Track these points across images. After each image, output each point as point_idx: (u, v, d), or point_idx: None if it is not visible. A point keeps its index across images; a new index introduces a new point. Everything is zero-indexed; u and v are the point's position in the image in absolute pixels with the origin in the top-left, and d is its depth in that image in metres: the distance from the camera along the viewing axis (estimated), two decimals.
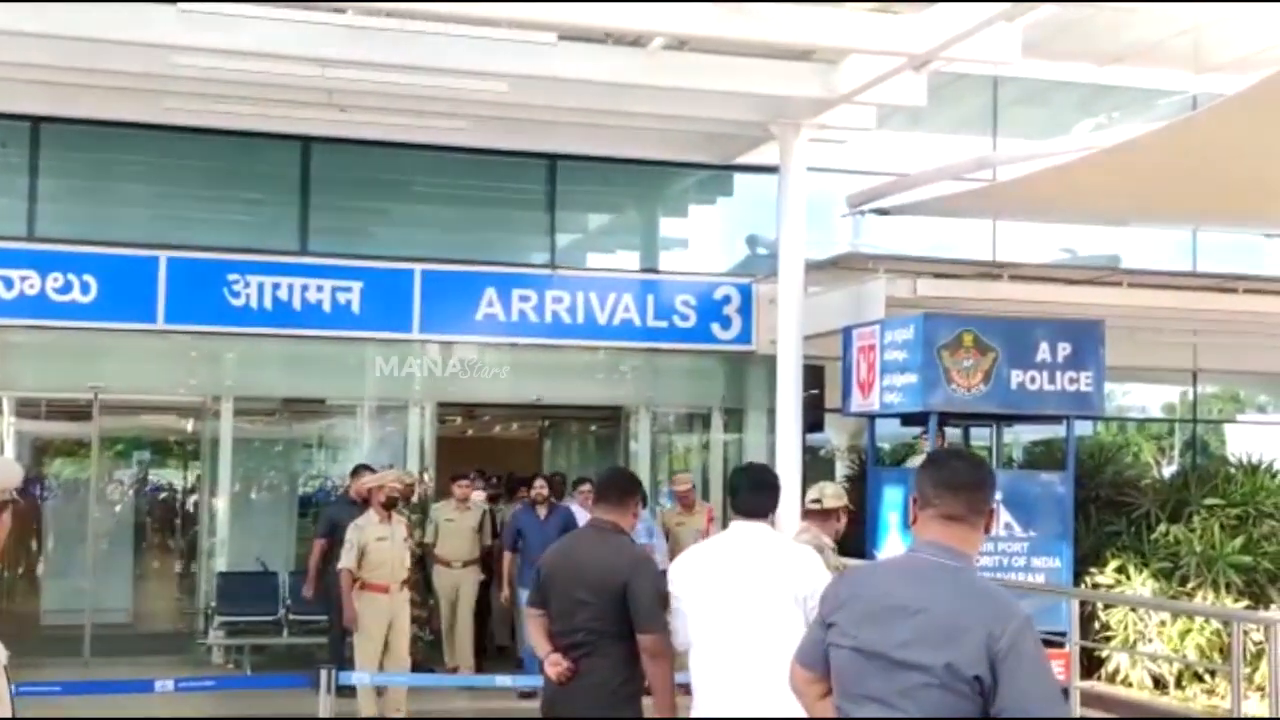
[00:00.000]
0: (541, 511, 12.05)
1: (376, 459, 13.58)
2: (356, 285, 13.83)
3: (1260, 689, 10.59)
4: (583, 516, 10.40)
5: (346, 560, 10.04)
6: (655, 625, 5.35)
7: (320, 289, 13.74)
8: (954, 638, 3.27)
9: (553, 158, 14.48)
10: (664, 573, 5.50)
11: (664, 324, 14.52)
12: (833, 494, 7.09)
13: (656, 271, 15.04)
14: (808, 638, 3.77)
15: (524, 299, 14.22)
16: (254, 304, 13.57)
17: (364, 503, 10.69)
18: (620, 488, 5.77)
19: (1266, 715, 7.12)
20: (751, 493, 5.34)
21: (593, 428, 17.75)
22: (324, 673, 6.85)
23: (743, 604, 5.13)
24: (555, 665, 5.54)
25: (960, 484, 3.52)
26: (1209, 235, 15.77)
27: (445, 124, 12.94)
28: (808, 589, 5.05)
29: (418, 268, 14.02)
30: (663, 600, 5.36)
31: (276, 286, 13.63)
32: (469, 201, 15.02)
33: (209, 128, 13.35)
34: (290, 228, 14.11)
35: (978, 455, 3.84)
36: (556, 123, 13.28)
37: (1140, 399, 18.84)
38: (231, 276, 13.54)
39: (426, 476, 13.98)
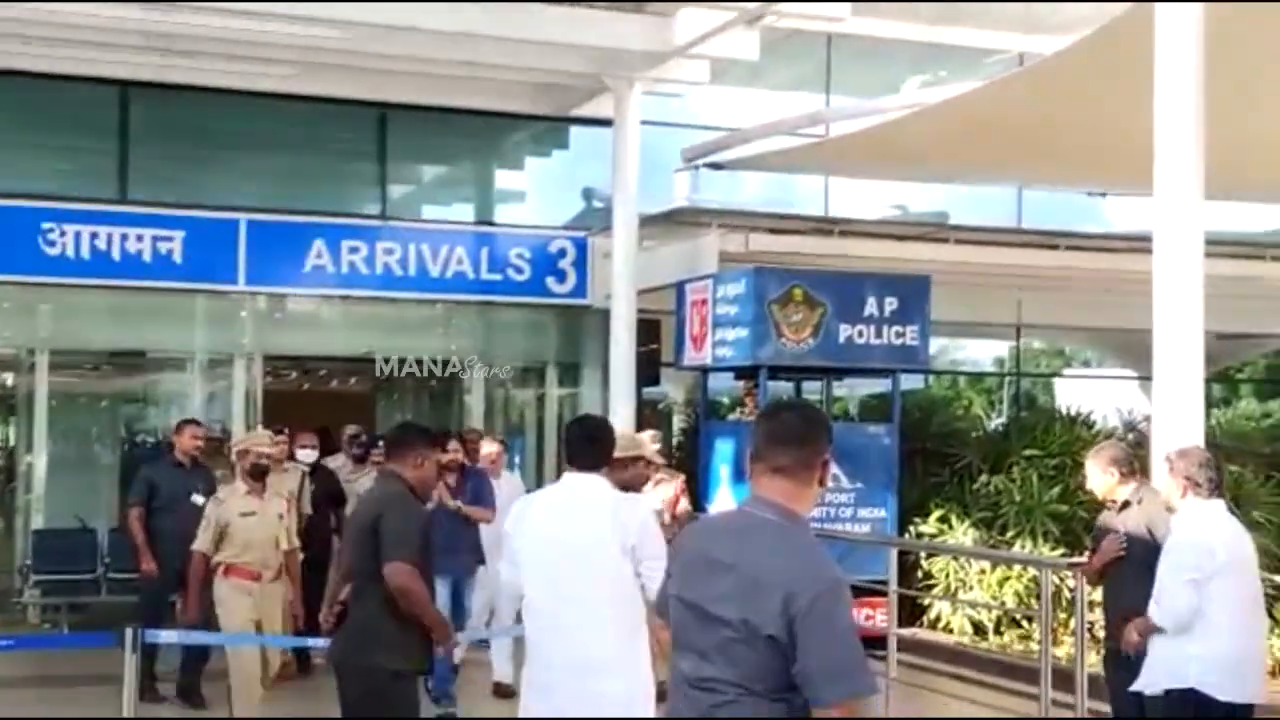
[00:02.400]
0: (451, 479, 9.47)
1: (202, 415, 13.23)
2: (178, 235, 13.41)
3: (1075, 633, 10.94)
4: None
5: (201, 541, 8.11)
6: (394, 555, 5.47)
7: (140, 239, 13.30)
8: (754, 595, 3.24)
9: (384, 107, 14.19)
10: (426, 512, 5.83)
11: (498, 277, 14.38)
12: (627, 444, 6.96)
13: (491, 224, 14.88)
14: (662, 590, 3.75)
15: (354, 251, 13.94)
16: (71, 253, 13.08)
17: (194, 464, 9.85)
18: (402, 442, 5.87)
19: (1073, 657, 7.31)
20: (583, 444, 5.32)
21: (433, 382, 17.55)
22: (129, 632, 6.65)
23: (570, 553, 5.12)
24: (325, 620, 6.06)
25: (790, 436, 3.44)
26: (1034, 193, 16.13)
27: (273, 70, 12.61)
28: (635, 538, 5.09)
29: (243, 218, 13.65)
30: (409, 536, 5.53)
31: (95, 236, 13.16)
32: (297, 150, 14.67)
33: (21, 70, 12.80)
34: (109, 175, 13.63)
35: (813, 407, 3.81)
36: (388, 71, 13.03)
37: (970, 353, 19.32)
38: (46, 225, 13.03)
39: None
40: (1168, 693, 5.75)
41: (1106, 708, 7.05)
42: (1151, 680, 5.91)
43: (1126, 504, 6.73)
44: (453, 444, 9.62)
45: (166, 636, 7.11)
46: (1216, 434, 14.74)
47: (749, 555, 3.31)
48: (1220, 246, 14.52)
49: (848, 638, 3.22)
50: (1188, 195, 7.17)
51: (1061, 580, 9.56)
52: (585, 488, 5.25)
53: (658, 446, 9.81)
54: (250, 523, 8.13)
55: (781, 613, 3.18)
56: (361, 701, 5.54)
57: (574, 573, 5.11)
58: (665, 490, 9.27)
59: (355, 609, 5.69)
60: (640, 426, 12.81)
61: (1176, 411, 7.25)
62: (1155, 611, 5.85)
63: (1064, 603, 10.99)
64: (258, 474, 8.31)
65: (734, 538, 3.39)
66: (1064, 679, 7.25)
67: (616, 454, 6.64)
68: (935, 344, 18.78)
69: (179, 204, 13.63)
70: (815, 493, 3.45)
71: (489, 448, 10.55)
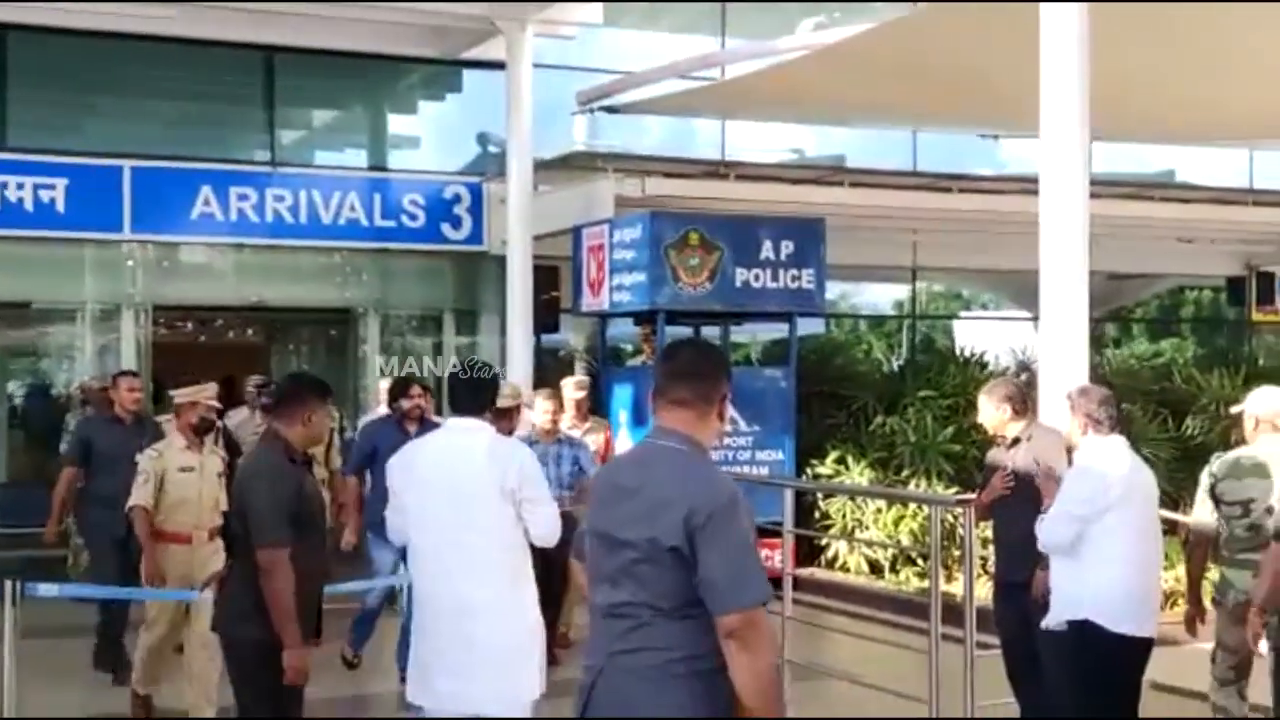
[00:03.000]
0: (411, 429, 8.51)
1: (93, 367, 12.96)
2: (61, 182, 13.05)
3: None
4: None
5: (139, 496, 7.44)
6: (260, 539, 5.19)
7: (21, 186, 12.93)
8: (657, 513, 3.36)
9: (270, 50, 13.88)
10: (297, 480, 5.32)
11: (392, 224, 14.19)
12: (509, 393, 6.95)
13: (384, 170, 14.68)
14: (578, 531, 3.85)
15: (243, 198, 13.67)
16: None
17: (136, 420, 8.82)
18: (293, 395, 5.51)
19: (962, 592, 7.39)
20: (464, 389, 5.31)
21: (331, 332, 17.36)
22: (9, 584, 6.46)
23: (450, 497, 5.11)
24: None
25: (689, 370, 3.59)
26: (929, 136, 16.22)
27: (153, 12, 12.28)
28: (515, 481, 5.08)
29: (127, 164, 13.33)
30: (276, 517, 5.18)
31: None
32: (182, 95, 14.34)
33: None
34: None
35: (712, 345, 3.89)
36: (273, 13, 12.74)
37: (870, 297, 19.43)
38: None
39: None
40: (1056, 630, 5.74)
41: (996, 640, 7.15)
42: (1055, 616, 5.88)
43: (1016, 440, 6.72)
44: (415, 390, 8.87)
45: (45, 590, 6.86)
46: (1106, 372, 15.04)
47: (653, 479, 3.45)
48: (1110, 188, 14.80)
49: (745, 549, 3.37)
50: (1072, 136, 7.22)
51: (956, 519, 9.68)
52: (466, 432, 5.23)
53: (583, 394, 9.75)
54: (188, 479, 7.46)
55: (683, 526, 3.31)
56: (239, 673, 5.35)
57: (454, 517, 5.09)
58: (596, 437, 9.34)
59: (229, 577, 5.49)
60: (540, 374, 12.79)
61: (1062, 351, 7.34)
62: (1039, 530, 5.85)
63: (957, 539, 11.19)
64: (204, 429, 7.58)
65: (639, 466, 3.56)
66: (956, 613, 7.34)
67: (502, 404, 6.60)
68: (836, 288, 18.96)
69: (61, 151, 13.27)
70: (715, 427, 3.59)
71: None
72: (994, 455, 6.97)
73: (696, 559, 3.31)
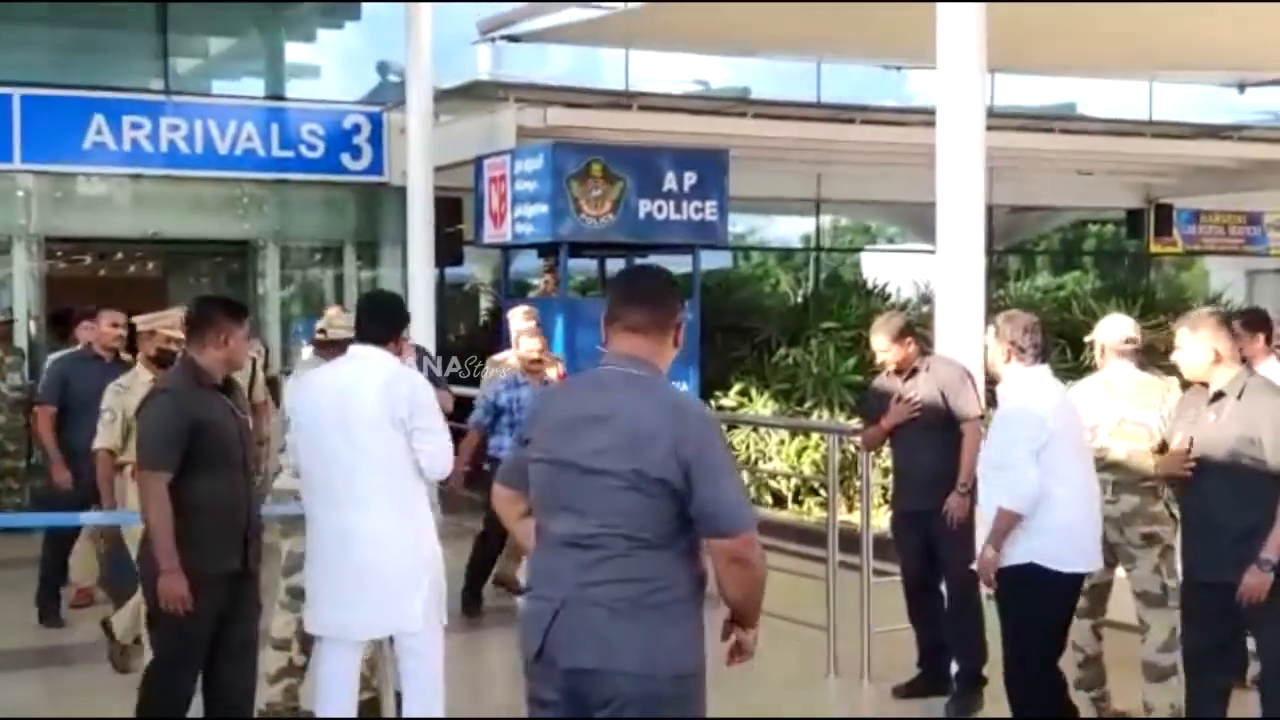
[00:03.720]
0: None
1: None
2: None
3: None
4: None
5: (105, 437, 6.89)
6: (140, 463, 5.15)
7: None
8: (642, 444, 3.35)
9: None
10: (194, 404, 5.12)
11: (291, 154, 13.93)
12: (342, 324, 6.71)
13: (282, 99, 14.39)
14: (510, 458, 3.79)
15: (137, 127, 13.32)
16: None
17: (116, 359, 8.09)
18: (204, 319, 5.31)
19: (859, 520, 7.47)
20: (368, 317, 5.32)
21: (233, 265, 17.05)
22: None
23: (342, 425, 5.09)
24: None
25: (645, 295, 3.56)
26: (833, 68, 16.19)
27: None
28: (406, 410, 5.07)
29: (16, 92, 12.92)
30: (157, 442, 5.05)
31: None
32: (73, 22, 13.88)
33: None
34: None
35: (664, 269, 3.81)
36: None
37: (780, 230, 19.48)
38: None
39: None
40: (1003, 570, 5.41)
41: (893, 567, 7.25)
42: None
43: (915, 371, 6.70)
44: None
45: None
46: (1007, 305, 15.22)
47: (625, 407, 3.41)
48: (1009, 119, 14.90)
49: (736, 476, 3.49)
50: (968, 67, 7.21)
51: (856, 449, 9.76)
52: (364, 360, 5.20)
53: (533, 324, 8.89)
54: None
55: (673, 458, 3.32)
56: (150, 611, 5.20)
57: (344, 445, 5.07)
58: (550, 372, 9.15)
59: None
60: (445, 307, 12.66)
61: (958, 283, 7.37)
62: (1005, 498, 5.36)
63: (859, 470, 11.29)
64: (165, 361, 6.81)
65: (604, 393, 3.48)
66: (856, 542, 7.41)
67: (333, 335, 6.42)
68: (745, 222, 19.00)
69: None
70: (672, 352, 3.56)
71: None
72: (885, 383, 6.88)
73: (691, 489, 3.33)
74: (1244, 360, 5.68)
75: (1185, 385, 5.76)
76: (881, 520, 8.28)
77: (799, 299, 15.58)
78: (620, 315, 3.53)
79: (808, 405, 12.45)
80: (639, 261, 13.63)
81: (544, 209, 11.75)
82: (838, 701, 6.95)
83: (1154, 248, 18.84)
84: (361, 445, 5.06)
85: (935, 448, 6.51)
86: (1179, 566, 5.49)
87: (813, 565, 8.92)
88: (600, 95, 13.80)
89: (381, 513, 5.07)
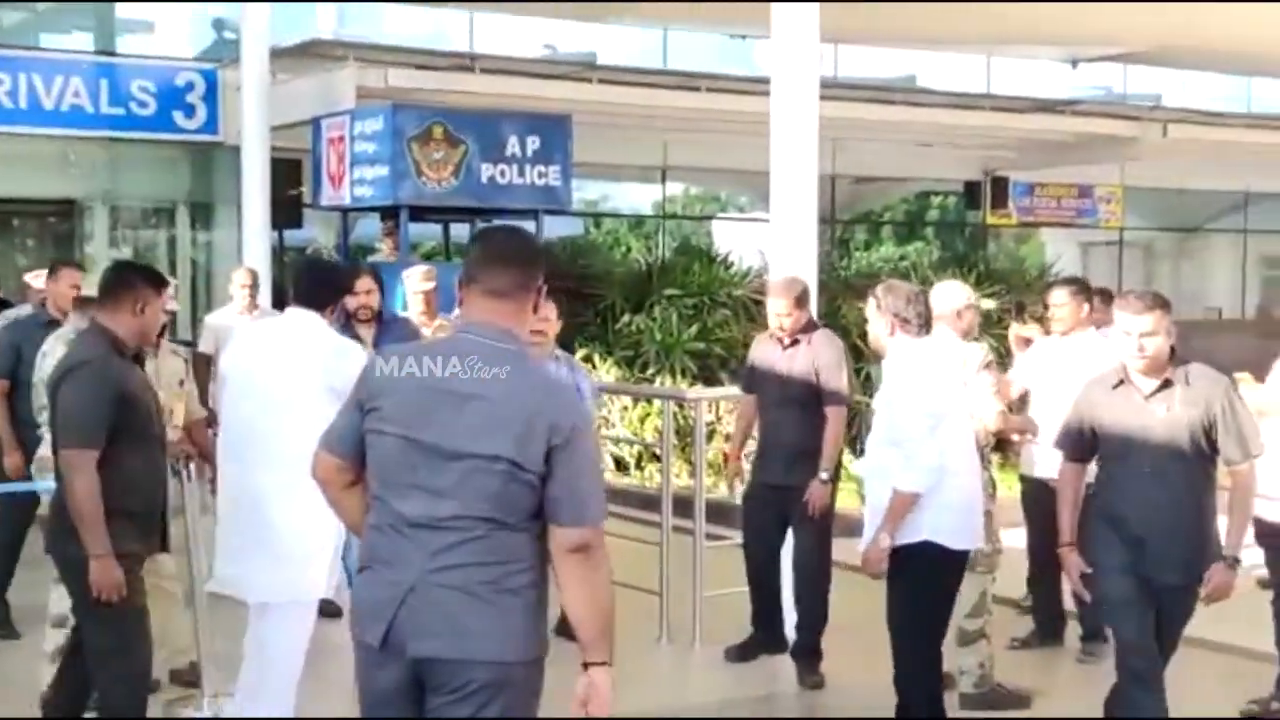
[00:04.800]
0: (366, 332, 7.13)
1: None
2: None
3: (709, 465, 11.34)
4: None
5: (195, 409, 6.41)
6: (63, 442, 4.76)
7: None
8: (513, 427, 3.12)
9: None
10: (120, 375, 4.82)
11: (121, 111, 13.50)
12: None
13: (113, 54, 13.92)
14: (339, 424, 3.39)
15: None
16: None
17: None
18: (120, 284, 4.97)
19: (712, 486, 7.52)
20: (305, 281, 5.23)
21: (61, 225, 16.51)
22: None
23: (264, 389, 5.00)
24: None
25: (508, 257, 3.29)
26: (680, 35, 16.23)
27: None
28: (342, 382, 4.84)
29: None
30: (84, 418, 4.73)
31: None
32: None
33: None
34: None
35: (528, 231, 3.65)
36: None
37: (634, 198, 19.47)
38: None
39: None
40: (897, 550, 5.12)
41: (725, 531, 7.30)
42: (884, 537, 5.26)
43: (796, 341, 6.42)
44: (364, 283, 7.16)
45: None
46: (847, 274, 15.45)
47: (495, 385, 3.16)
48: (851, 90, 15.08)
49: (597, 464, 3.33)
50: (803, 37, 7.25)
51: (712, 413, 9.82)
52: (295, 324, 5.11)
53: (431, 285, 7.90)
54: None
55: (545, 442, 3.13)
56: (73, 597, 4.86)
57: (271, 404, 4.96)
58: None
59: (58, 489, 4.92)
60: (284, 270, 12.40)
61: (792, 252, 7.41)
62: (902, 479, 5.09)
63: (710, 435, 11.40)
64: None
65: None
66: (714, 510, 7.46)
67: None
68: (598, 188, 18.98)
69: None
70: (530, 319, 3.31)
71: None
72: (766, 355, 6.58)
73: (551, 471, 3.13)
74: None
75: (1004, 353, 5.83)
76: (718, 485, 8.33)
77: (646, 266, 15.64)
78: (480, 278, 3.26)
79: (650, 372, 12.49)
80: (497, 223, 13.58)
81: (384, 171, 11.57)
82: (669, 665, 6.98)
83: (990, 219, 19.27)
84: (290, 408, 4.90)
85: (801, 424, 6.37)
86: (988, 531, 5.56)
87: (652, 531, 8.97)
88: (443, 57, 13.63)
89: (291, 478, 4.86)
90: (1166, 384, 4.83)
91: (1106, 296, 7.34)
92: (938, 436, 5.10)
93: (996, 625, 6.22)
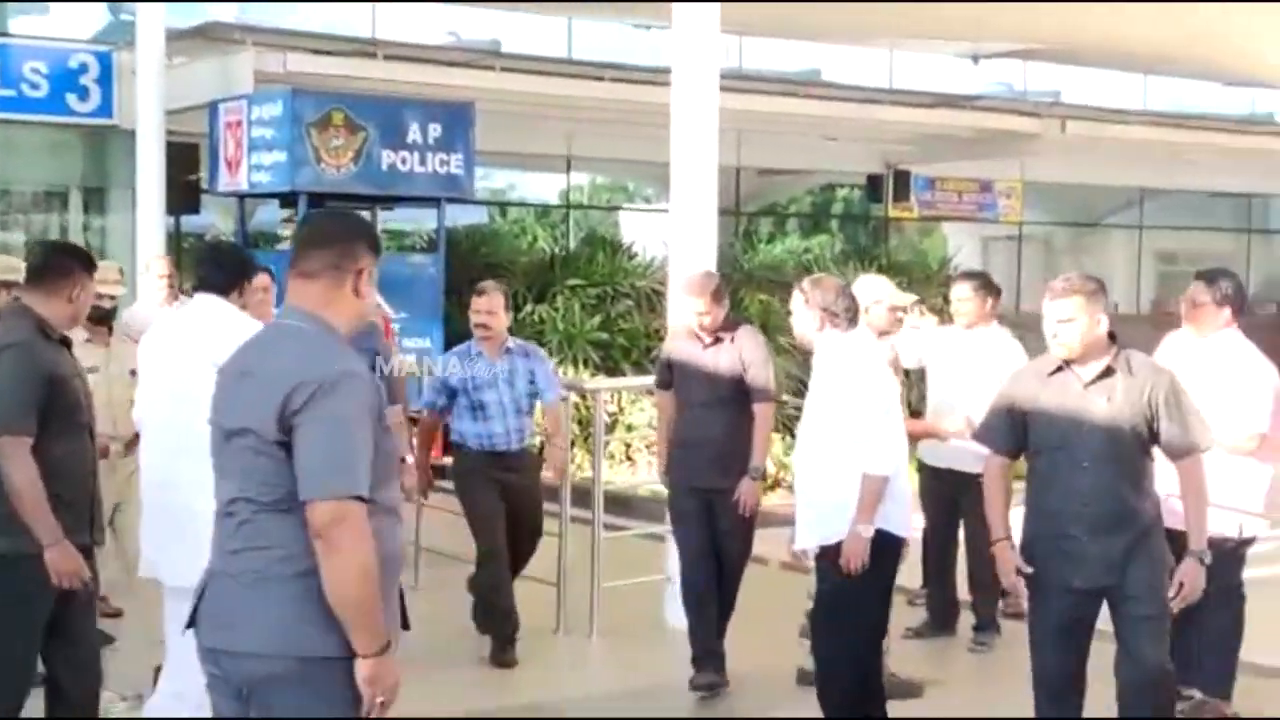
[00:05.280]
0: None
1: None
2: None
3: (610, 456, 11.34)
4: None
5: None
6: None
7: None
8: (262, 398, 3.05)
9: None
10: (48, 365, 4.65)
11: (12, 93, 13.16)
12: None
13: (5, 35, 13.58)
14: None
15: None
16: None
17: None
18: (56, 268, 4.79)
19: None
20: (207, 266, 5.10)
21: None
22: None
23: (171, 375, 4.92)
24: None
25: (319, 239, 3.24)
26: (585, 24, 16.19)
27: None
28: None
29: None
30: (14, 402, 4.56)
31: None
32: None
33: None
34: None
35: (354, 215, 3.57)
36: None
37: (540, 187, 19.37)
38: None
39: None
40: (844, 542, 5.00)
41: (623, 522, 7.28)
42: (828, 530, 5.07)
43: (719, 339, 6.17)
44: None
45: None
46: (751, 266, 15.53)
47: (269, 361, 3.12)
48: (756, 83, 15.14)
49: (344, 432, 3.00)
50: (703, 28, 7.26)
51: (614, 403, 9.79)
52: (199, 310, 5.01)
53: (173, 272, 7.75)
54: (92, 381, 5.59)
55: (282, 410, 3.00)
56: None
57: (170, 394, 4.88)
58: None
59: None
60: (180, 258, 12.12)
61: (691, 244, 7.41)
62: (873, 462, 4.97)
63: (616, 427, 11.40)
64: (98, 317, 6.27)
65: (259, 348, 3.22)
66: (613, 501, 7.44)
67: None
68: (505, 176, 18.88)
69: None
70: (352, 304, 3.21)
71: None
72: (686, 352, 6.29)
73: (292, 441, 2.99)
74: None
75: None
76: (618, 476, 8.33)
77: (550, 256, 15.60)
78: (297, 260, 3.20)
79: (553, 362, 12.43)
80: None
81: (282, 157, 11.39)
82: (566, 656, 6.96)
83: (893, 212, 19.46)
84: (200, 396, 4.81)
85: (728, 423, 6.13)
86: None
87: (550, 522, 8.95)
88: (344, 42, 13.46)
89: (200, 463, 4.80)
90: (1108, 371, 4.62)
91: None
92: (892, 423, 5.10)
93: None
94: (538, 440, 7.43)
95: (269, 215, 14.26)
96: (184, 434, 4.84)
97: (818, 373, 5.26)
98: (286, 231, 12.38)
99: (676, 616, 6.89)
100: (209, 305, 5.00)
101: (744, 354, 6.16)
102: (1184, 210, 22.53)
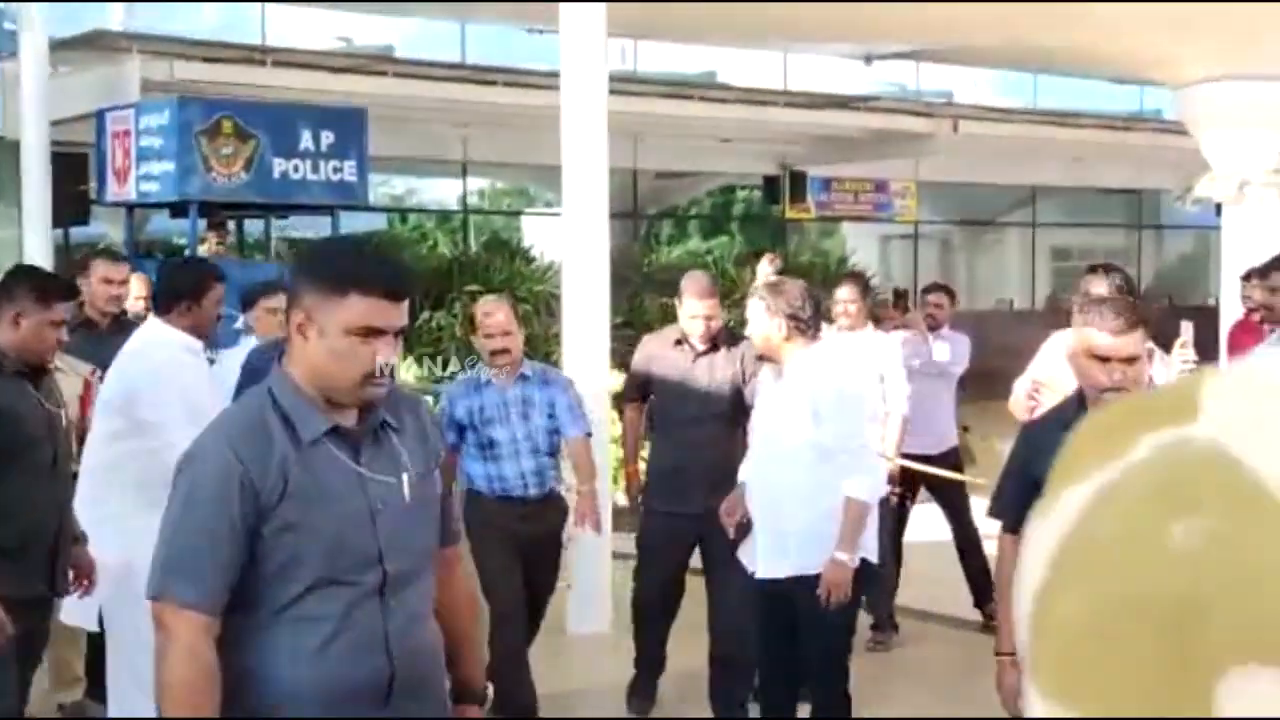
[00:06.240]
0: None
1: None
2: None
3: None
4: None
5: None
6: None
7: None
8: None
9: None
10: None
11: None
12: None
13: None
14: None
15: None
16: None
17: (116, 324, 6.18)
18: None
19: None
20: (159, 290, 5.11)
21: None
22: None
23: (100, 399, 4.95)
24: None
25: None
26: (478, 29, 16.10)
27: None
28: (119, 396, 4.85)
29: None
30: None
31: None
32: None
33: None
34: None
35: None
36: None
37: (440, 192, 19.22)
38: None
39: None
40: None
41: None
42: (806, 561, 4.75)
43: (715, 347, 5.76)
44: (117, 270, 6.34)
45: None
46: (651, 269, 15.54)
47: None
48: (651, 86, 15.17)
49: (171, 525, 2.62)
50: (590, 30, 7.26)
51: None
52: (138, 334, 4.97)
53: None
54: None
55: None
56: None
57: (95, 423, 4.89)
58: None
59: None
60: (70, 271, 11.87)
61: (584, 246, 7.42)
62: (859, 487, 4.70)
63: None
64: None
65: None
66: None
67: None
68: (404, 182, 18.71)
69: None
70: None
71: None
72: (674, 364, 5.78)
73: None
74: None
75: None
76: None
77: (449, 262, 15.52)
78: None
79: (452, 370, 12.34)
80: (276, 223, 13.27)
81: (170, 166, 11.20)
82: None
83: (790, 213, 19.58)
84: (93, 424, 4.87)
85: (721, 442, 5.63)
86: None
87: None
88: (232, 49, 13.27)
89: (87, 501, 4.71)
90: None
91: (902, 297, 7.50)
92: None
93: None
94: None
95: (161, 225, 14.03)
96: (85, 476, 4.81)
97: (787, 386, 4.83)
98: (210, 239, 12.13)
99: (578, 622, 6.89)
100: (150, 331, 4.92)
101: (748, 367, 5.57)
102: (1076, 207, 22.94)
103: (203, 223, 12.66)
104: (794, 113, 16.37)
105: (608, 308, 7.54)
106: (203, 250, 12.49)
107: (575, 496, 5.68)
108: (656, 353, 5.89)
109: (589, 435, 5.74)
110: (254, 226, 13.56)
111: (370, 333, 2.56)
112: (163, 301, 4.86)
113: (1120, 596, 0.47)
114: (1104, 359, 3.60)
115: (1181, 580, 0.45)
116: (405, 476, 2.68)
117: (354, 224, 14.55)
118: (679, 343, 5.74)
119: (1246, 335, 7.11)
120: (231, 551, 2.54)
